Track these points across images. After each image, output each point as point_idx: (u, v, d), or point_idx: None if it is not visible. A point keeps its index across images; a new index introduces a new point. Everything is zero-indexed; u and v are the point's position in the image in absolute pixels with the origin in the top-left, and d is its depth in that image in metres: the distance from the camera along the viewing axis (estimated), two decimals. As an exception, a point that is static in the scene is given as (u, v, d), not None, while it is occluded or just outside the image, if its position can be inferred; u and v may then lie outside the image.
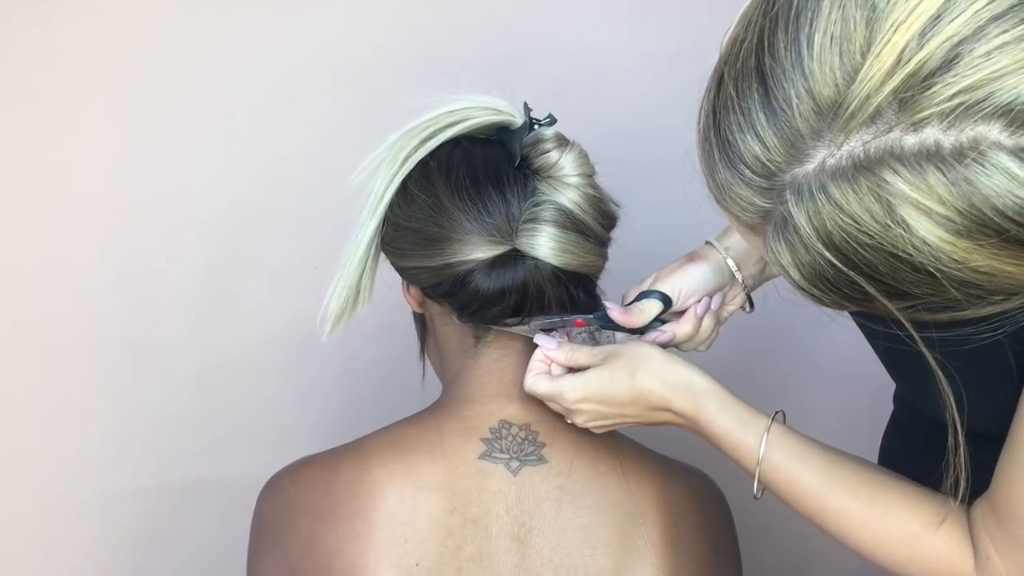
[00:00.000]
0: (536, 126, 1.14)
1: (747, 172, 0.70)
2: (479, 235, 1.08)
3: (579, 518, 1.12)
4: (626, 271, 1.20)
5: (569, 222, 1.10)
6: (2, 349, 1.54)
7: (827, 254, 0.67)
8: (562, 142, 1.14)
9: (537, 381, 1.11)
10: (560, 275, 1.10)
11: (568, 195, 1.11)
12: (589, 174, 1.14)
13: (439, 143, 1.12)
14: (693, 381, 1.06)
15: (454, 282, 1.09)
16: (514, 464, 1.13)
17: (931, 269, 0.65)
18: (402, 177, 1.12)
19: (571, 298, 1.12)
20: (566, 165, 1.12)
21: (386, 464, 1.11)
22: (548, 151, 1.12)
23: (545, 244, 1.09)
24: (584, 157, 1.14)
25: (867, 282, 0.67)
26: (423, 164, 1.12)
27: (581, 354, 1.12)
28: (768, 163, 0.69)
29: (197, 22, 1.47)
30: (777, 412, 1.05)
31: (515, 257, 1.09)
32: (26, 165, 1.49)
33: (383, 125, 1.15)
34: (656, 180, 1.58)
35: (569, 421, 1.12)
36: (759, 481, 1.03)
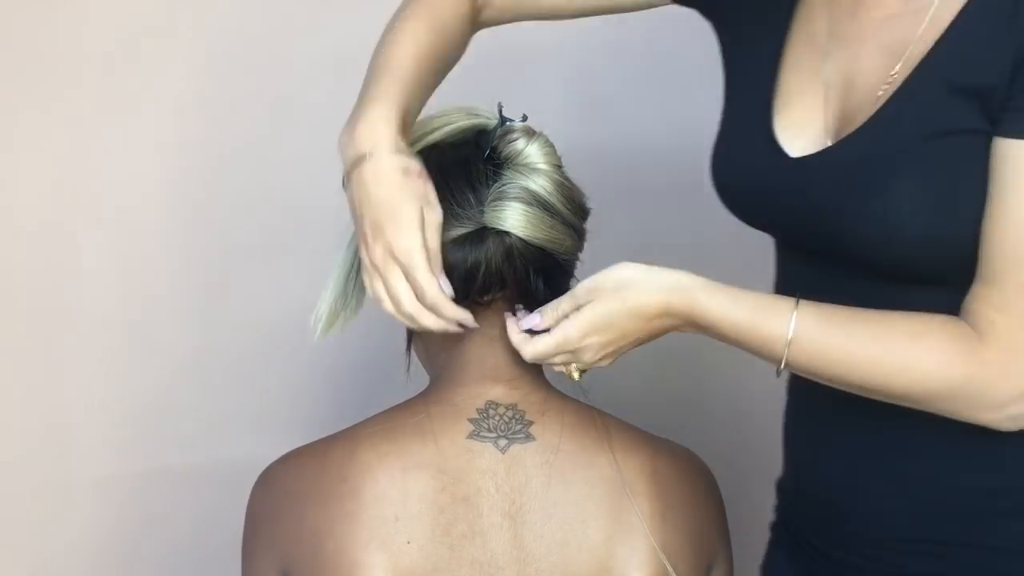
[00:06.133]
0: (508, 123, 1.18)
1: None
2: (447, 220, 1.11)
3: (569, 493, 1.13)
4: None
5: (535, 200, 1.15)
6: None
7: None
8: (529, 132, 1.19)
9: (535, 343, 1.11)
10: (523, 256, 1.13)
11: (535, 179, 1.16)
12: (556, 163, 1.18)
13: (421, 147, 1.18)
14: (679, 280, 1.09)
15: None
16: (502, 443, 1.14)
17: None
18: None
19: (528, 281, 1.14)
20: (532, 153, 1.17)
21: (376, 447, 1.13)
22: (515, 140, 1.18)
23: (512, 216, 1.13)
24: (550, 146, 1.19)
25: None
26: None
27: (564, 304, 1.11)
28: None
29: (196, 18, 1.53)
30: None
31: (481, 234, 1.13)
32: (25, 151, 1.53)
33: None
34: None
35: (572, 371, 1.12)
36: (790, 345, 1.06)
